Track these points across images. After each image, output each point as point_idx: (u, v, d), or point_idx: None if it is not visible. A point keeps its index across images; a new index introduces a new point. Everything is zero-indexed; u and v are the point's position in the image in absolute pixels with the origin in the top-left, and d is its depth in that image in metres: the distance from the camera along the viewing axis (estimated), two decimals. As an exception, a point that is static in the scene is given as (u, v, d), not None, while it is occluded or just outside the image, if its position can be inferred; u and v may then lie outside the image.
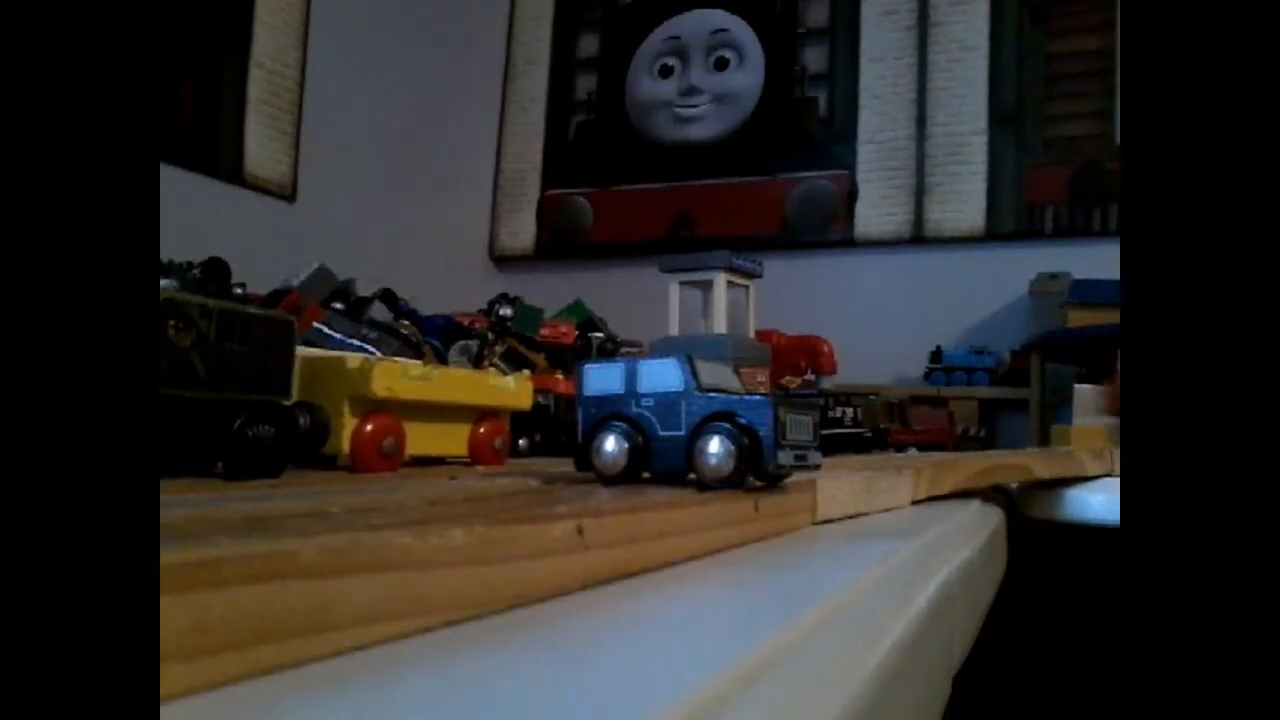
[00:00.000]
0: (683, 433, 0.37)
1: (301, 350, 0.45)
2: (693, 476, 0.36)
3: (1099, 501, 0.68)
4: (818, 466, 0.39)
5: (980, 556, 0.45)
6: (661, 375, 0.38)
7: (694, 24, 1.65)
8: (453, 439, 0.55)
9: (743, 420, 0.36)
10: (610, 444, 0.37)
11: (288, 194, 1.26)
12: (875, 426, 1.05)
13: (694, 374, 0.37)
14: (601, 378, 0.39)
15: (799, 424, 0.38)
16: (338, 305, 0.91)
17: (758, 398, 0.37)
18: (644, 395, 0.38)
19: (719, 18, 1.64)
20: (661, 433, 0.37)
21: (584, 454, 0.38)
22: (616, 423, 0.38)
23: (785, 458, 0.36)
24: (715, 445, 0.35)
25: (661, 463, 0.37)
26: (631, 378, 0.38)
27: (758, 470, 0.36)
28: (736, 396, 0.38)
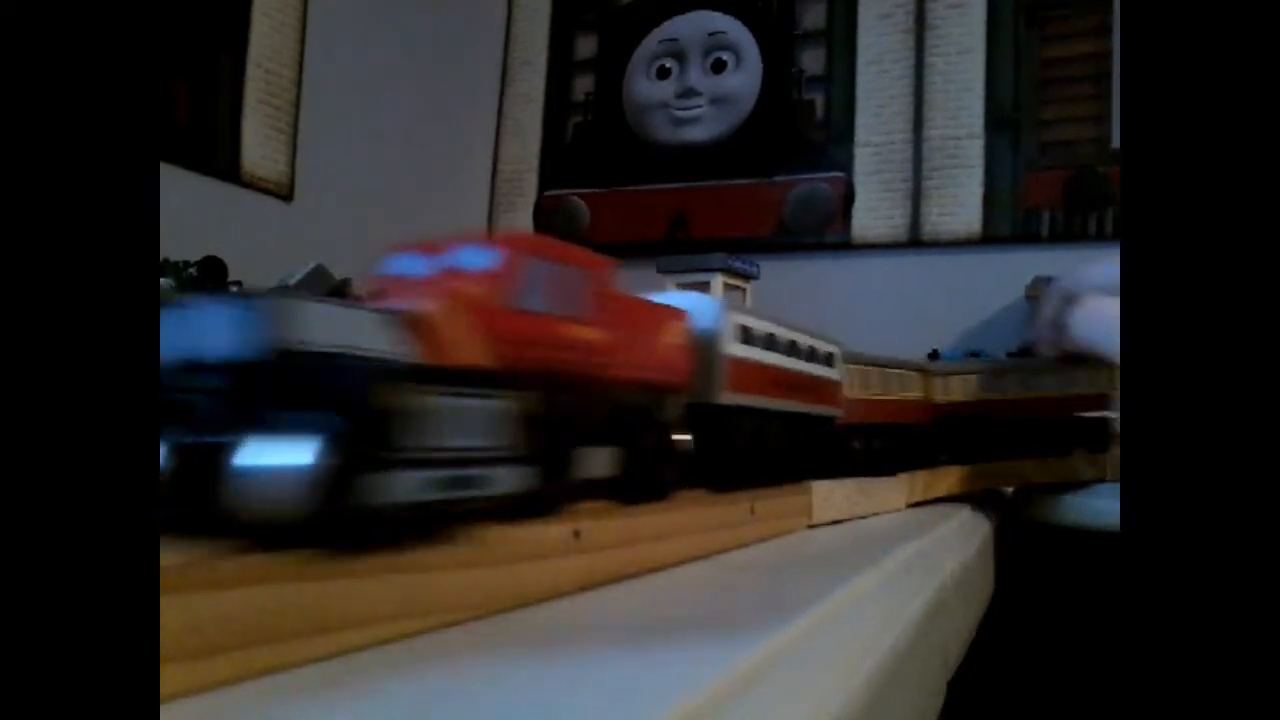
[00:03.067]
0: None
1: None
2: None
3: (1094, 505, 0.68)
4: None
5: (975, 561, 0.45)
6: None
7: (691, 26, 1.65)
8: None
9: None
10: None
11: (285, 193, 1.26)
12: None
13: None
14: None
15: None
16: (334, 305, 0.91)
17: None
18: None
19: (716, 20, 1.64)
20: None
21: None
22: None
23: None
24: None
25: None
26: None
27: None
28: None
